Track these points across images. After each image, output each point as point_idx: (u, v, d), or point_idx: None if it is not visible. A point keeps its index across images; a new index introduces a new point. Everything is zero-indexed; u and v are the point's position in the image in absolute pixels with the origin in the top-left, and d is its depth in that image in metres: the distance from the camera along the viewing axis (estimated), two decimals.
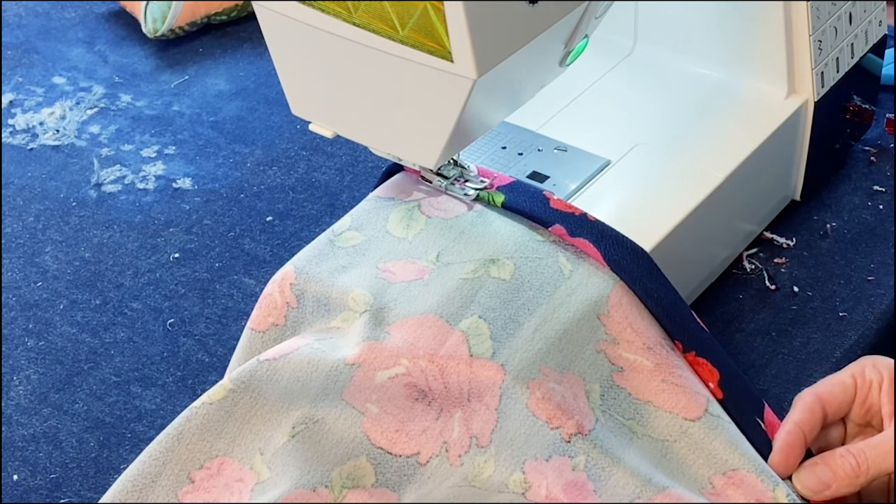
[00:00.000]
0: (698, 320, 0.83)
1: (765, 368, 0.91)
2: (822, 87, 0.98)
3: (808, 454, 0.79)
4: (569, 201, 0.89)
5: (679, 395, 0.80)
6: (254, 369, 0.80)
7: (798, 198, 1.03)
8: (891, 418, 0.77)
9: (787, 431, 0.78)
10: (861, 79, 1.04)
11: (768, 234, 1.01)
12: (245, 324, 0.85)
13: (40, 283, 1.02)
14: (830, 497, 0.77)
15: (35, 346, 0.97)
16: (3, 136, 1.18)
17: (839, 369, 0.81)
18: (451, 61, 0.74)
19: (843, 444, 0.81)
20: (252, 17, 1.30)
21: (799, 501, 0.76)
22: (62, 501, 0.85)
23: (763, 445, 0.79)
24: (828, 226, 1.02)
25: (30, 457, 0.88)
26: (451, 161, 0.88)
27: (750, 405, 0.81)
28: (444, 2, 0.72)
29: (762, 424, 0.80)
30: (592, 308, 0.81)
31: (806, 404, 0.78)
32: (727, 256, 0.98)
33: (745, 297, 0.97)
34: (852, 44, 1.01)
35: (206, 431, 0.79)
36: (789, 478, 0.78)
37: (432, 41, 0.74)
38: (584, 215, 0.84)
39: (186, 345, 0.96)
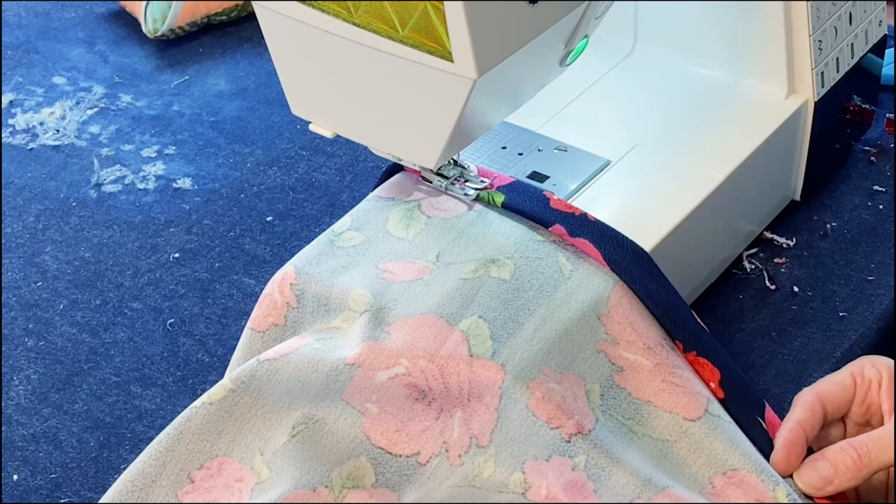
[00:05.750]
0: (698, 320, 0.83)
1: (765, 368, 0.91)
2: (822, 87, 0.98)
3: (809, 454, 0.79)
4: (569, 201, 0.89)
5: (679, 395, 0.80)
6: (254, 369, 0.80)
7: (798, 198, 1.03)
8: (891, 414, 0.77)
9: (789, 429, 0.78)
10: (861, 79, 1.04)
11: (768, 234, 1.01)
12: (245, 324, 0.85)
13: (40, 283, 1.02)
14: (833, 492, 0.77)
15: (35, 346, 0.97)
16: (3, 136, 1.18)
17: (839, 369, 0.81)
18: (451, 61, 0.74)
19: None
20: (252, 17, 1.30)
21: (800, 501, 0.76)
22: (62, 501, 0.85)
23: (765, 444, 0.79)
24: (828, 226, 1.02)
25: (30, 457, 0.88)
26: (451, 161, 0.88)
27: (751, 404, 0.81)
28: (444, 2, 0.72)
29: (763, 424, 0.80)
30: (592, 308, 0.81)
31: (806, 403, 0.78)
32: (727, 256, 0.98)
33: (745, 297, 0.97)
34: (852, 44, 1.01)
35: (206, 431, 0.79)
36: (790, 476, 0.78)
37: (432, 41, 0.74)
38: (584, 215, 0.84)
39: (186, 345, 0.96)
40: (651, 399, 0.80)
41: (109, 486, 0.79)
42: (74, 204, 1.10)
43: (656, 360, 0.81)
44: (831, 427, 0.80)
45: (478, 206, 0.87)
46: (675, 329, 0.82)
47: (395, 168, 0.90)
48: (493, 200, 0.86)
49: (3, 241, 1.06)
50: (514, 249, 0.84)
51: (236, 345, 0.85)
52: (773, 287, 0.97)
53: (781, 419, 0.80)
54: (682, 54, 1.02)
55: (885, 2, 1.05)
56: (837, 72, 1.00)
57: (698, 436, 0.79)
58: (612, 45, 1.04)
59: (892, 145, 1.09)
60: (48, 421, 0.91)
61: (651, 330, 0.82)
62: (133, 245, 1.05)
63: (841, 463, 0.76)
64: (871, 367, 0.79)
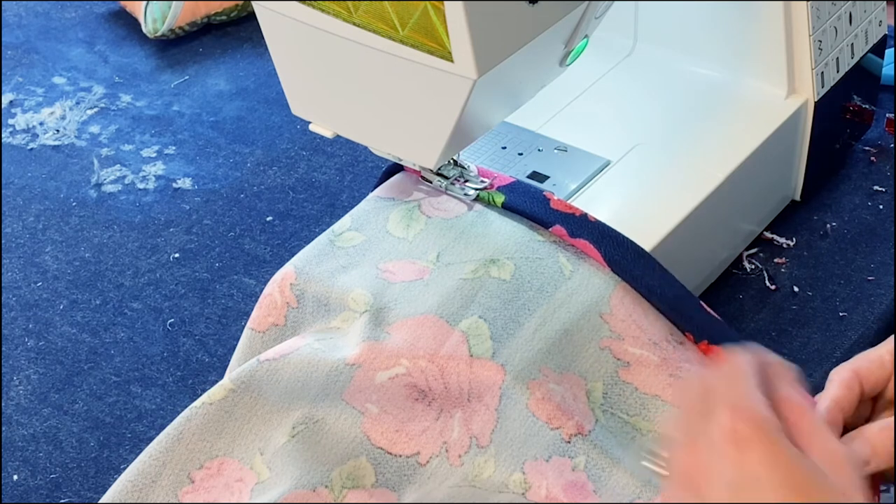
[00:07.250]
0: (708, 309, 0.83)
1: None
2: (822, 87, 0.98)
3: None
4: (569, 201, 0.89)
5: None
6: (254, 369, 0.80)
7: (798, 198, 1.03)
8: None
9: (827, 410, 0.76)
10: (861, 79, 1.04)
11: (768, 234, 1.01)
12: (245, 324, 0.85)
13: (40, 283, 1.02)
14: (869, 472, 0.75)
15: (35, 346, 0.97)
16: (3, 136, 1.18)
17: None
18: (451, 61, 0.74)
19: (869, 420, 0.79)
20: (252, 17, 1.30)
21: None
22: (62, 501, 0.85)
23: None
24: (828, 226, 1.02)
25: (30, 457, 0.88)
26: (451, 161, 0.88)
27: None
28: (444, 2, 0.72)
29: None
30: (594, 307, 0.81)
31: (844, 381, 0.76)
32: (727, 256, 0.98)
33: (745, 297, 0.97)
34: (852, 44, 1.01)
35: (206, 431, 0.79)
36: None
37: (432, 41, 0.74)
38: (584, 216, 0.84)
39: (186, 345, 0.96)
40: (659, 393, 0.80)
41: (109, 486, 0.79)
42: (74, 204, 1.10)
43: (662, 356, 0.80)
44: (861, 404, 0.79)
45: (478, 207, 0.87)
46: (683, 320, 0.82)
47: (395, 168, 0.90)
48: (493, 200, 0.86)
49: (3, 241, 1.06)
50: (515, 250, 0.84)
51: (236, 345, 0.85)
52: (773, 287, 0.97)
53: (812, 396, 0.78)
54: (682, 54, 1.02)
55: (885, 2, 1.04)
56: (837, 72, 1.00)
57: None
58: (612, 45, 1.04)
59: (892, 145, 1.09)
60: (48, 421, 0.91)
61: (656, 326, 0.82)
62: (133, 245, 1.05)
63: (880, 444, 0.74)
64: None
